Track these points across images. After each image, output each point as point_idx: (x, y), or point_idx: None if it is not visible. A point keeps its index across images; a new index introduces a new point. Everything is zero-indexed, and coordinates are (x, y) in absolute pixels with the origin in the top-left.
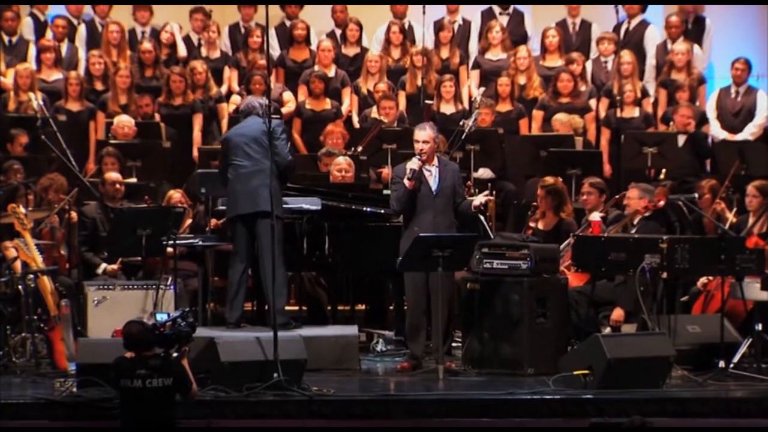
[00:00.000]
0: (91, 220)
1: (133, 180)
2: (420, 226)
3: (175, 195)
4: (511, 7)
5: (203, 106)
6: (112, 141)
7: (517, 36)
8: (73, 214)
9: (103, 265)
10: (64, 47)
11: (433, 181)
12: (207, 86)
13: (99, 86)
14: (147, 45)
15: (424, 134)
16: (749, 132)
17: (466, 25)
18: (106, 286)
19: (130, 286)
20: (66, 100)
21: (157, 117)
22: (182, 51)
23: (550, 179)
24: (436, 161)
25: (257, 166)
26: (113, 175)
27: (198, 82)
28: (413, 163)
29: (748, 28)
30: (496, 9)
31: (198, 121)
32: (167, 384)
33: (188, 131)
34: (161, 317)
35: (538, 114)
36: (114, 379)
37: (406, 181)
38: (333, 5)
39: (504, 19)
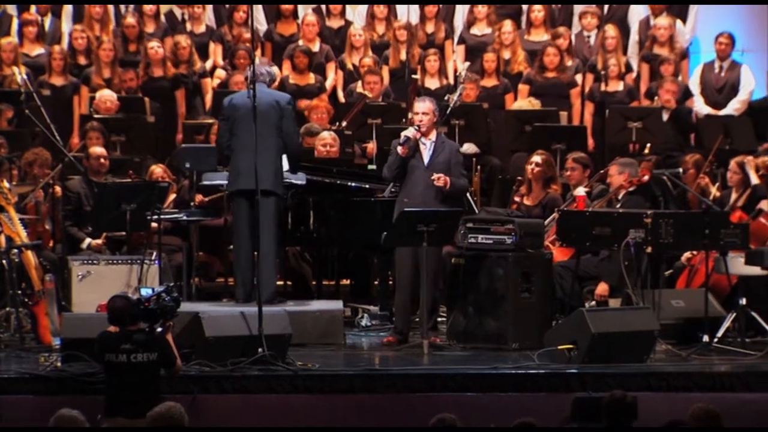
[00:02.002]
0: (76, 195)
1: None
2: (410, 197)
3: (157, 170)
4: None
5: (187, 80)
6: (95, 115)
7: (512, 9)
8: (58, 189)
9: (88, 240)
10: (48, 21)
11: (426, 154)
12: (191, 61)
13: (82, 60)
14: (130, 20)
15: (423, 106)
16: (733, 107)
17: None
18: (90, 261)
19: (115, 261)
20: (49, 75)
21: (140, 91)
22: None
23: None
24: (433, 136)
25: (262, 142)
26: (98, 150)
27: (181, 57)
28: (409, 132)
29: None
30: None
31: (181, 96)
32: (152, 359)
33: (172, 106)
34: (146, 292)
35: (524, 88)
36: (98, 353)
37: (398, 148)
38: None
39: None
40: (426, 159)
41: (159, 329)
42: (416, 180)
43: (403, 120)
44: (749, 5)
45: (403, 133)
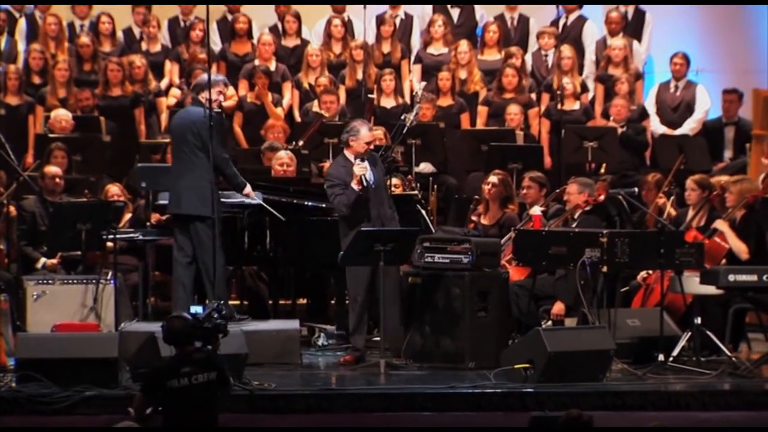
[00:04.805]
0: (30, 214)
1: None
2: (366, 225)
3: (112, 189)
4: None
5: (143, 100)
6: (50, 135)
7: (468, 29)
8: (12, 209)
9: (43, 260)
10: (3, 40)
11: (369, 174)
12: (146, 80)
13: (36, 80)
14: (85, 39)
15: (374, 135)
16: (689, 127)
17: (408, 19)
18: (45, 281)
19: (70, 281)
20: (5, 94)
21: (96, 110)
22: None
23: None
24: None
25: (184, 165)
26: (53, 169)
27: (136, 77)
28: (361, 169)
29: (689, 22)
30: None
31: (140, 114)
32: (211, 378)
33: (128, 124)
34: (197, 310)
35: (483, 110)
36: (154, 384)
37: (355, 186)
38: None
39: (455, 12)
40: (371, 179)
41: (208, 348)
42: (368, 203)
43: None
44: (704, 26)
45: (358, 172)
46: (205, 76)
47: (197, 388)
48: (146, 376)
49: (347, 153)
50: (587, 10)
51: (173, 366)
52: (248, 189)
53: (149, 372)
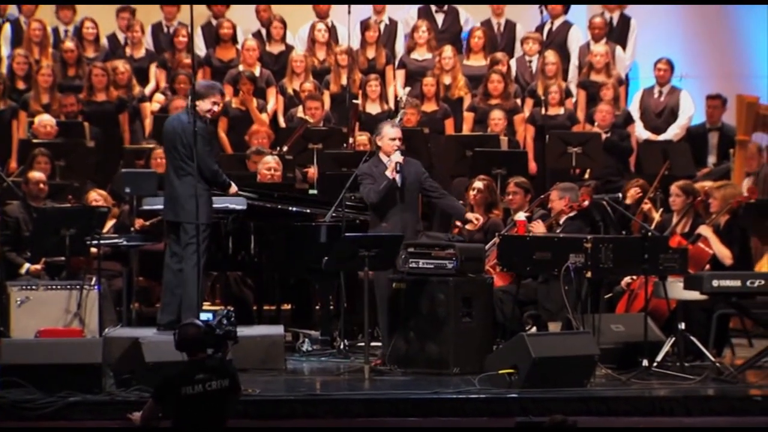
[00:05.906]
0: (14, 220)
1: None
2: (389, 221)
3: (92, 194)
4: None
5: (128, 105)
6: (34, 140)
7: (452, 34)
8: None
9: (27, 265)
10: None
11: (398, 177)
12: (129, 86)
13: (21, 85)
14: (69, 44)
15: (397, 131)
16: (672, 133)
17: (393, 24)
18: (29, 287)
19: (54, 286)
20: None
21: (80, 115)
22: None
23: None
24: None
25: (178, 171)
26: (36, 175)
27: (120, 82)
28: (397, 157)
29: (673, 28)
30: (433, 6)
31: (124, 119)
32: (224, 385)
33: (113, 129)
34: (207, 317)
35: (468, 116)
36: (168, 391)
37: (388, 174)
38: (257, 5)
39: (440, 18)
40: (398, 179)
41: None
42: (393, 204)
43: (344, 145)
44: (688, 32)
45: (396, 161)
46: (201, 83)
47: (211, 395)
48: (159, 384)
49: (380, 154)
50: (573, 15)
51: (187, 373)
52: (234, 188)
53: (163, 379)
